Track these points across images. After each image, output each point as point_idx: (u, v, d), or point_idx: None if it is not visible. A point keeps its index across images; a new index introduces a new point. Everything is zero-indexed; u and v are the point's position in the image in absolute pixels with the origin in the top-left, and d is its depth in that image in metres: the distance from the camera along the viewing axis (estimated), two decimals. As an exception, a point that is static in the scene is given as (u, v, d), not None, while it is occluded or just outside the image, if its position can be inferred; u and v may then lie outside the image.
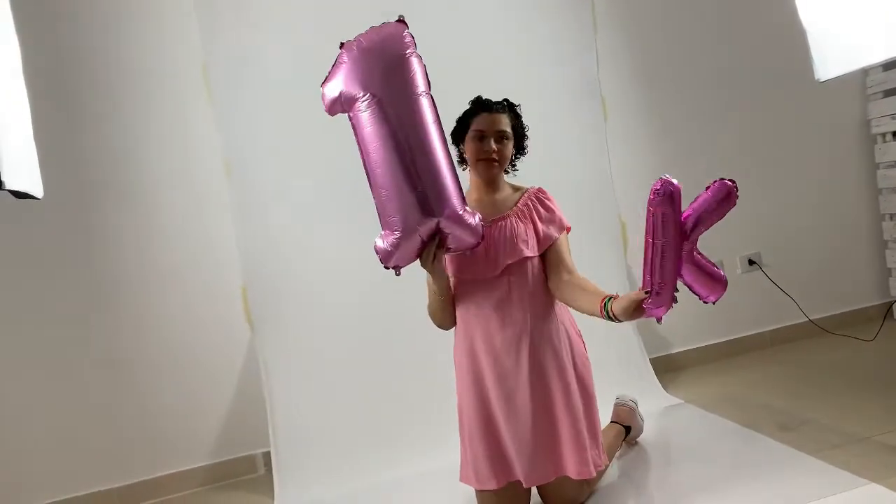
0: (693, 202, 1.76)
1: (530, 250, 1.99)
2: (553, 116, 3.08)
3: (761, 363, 3.24)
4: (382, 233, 1.77)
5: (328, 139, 2.86)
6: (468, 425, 2.03)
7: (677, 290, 1.75)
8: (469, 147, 2.05)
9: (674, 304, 1.75)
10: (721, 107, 3.44)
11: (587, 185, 3.14)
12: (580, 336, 2.13)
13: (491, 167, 2.03)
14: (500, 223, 2.02)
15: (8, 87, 1.66)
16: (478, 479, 2.00)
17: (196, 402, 2.89)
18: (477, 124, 2.03)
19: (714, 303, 1.84)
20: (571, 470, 1.94)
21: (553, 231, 2.03)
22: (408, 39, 1.78)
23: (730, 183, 1.77)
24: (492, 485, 1.97)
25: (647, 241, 1.72)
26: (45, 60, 2.69)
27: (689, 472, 2.17)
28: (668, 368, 3.24)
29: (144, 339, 2.86)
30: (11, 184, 1.54)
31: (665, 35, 3.38)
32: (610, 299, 1.81)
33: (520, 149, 2.13)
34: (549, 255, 2.02)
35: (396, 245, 1.75)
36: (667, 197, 1.67)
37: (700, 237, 1.77)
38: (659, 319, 1.78)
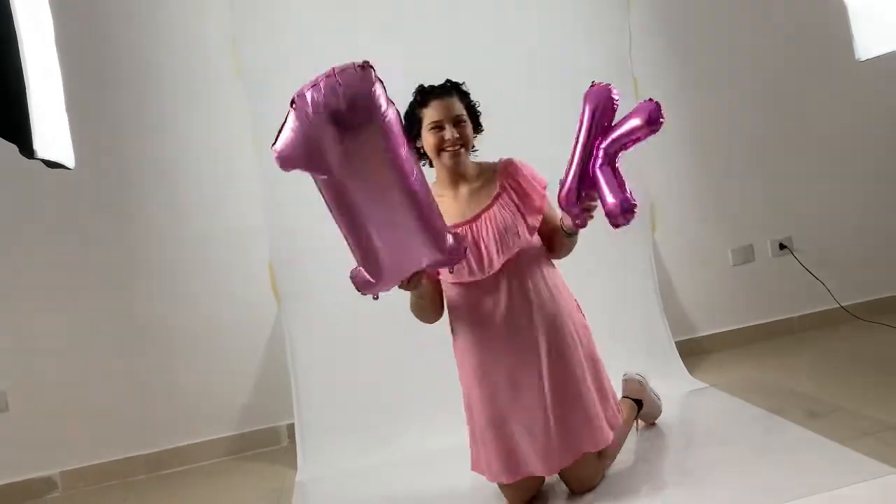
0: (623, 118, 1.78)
1: (523, 239, 1.93)
2: (582, 94, 3.02)
3: (790, 349, 3.19)
4: (360, 269, 1.70)
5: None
6: (478, 421, 1.99)
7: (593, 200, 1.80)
8: (427, 140, 1.95)
9: (587, 211, 1.80)
10: (756, 87, 3.36)
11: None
12: (574, 299, 2.08)
13: (457, 155, 1.95)
14: (483, 217, 1.94)
15: (41, 58, 1.67)
16: (490, 473, 1.99)
17: (222, 374, 2.93)
18: (430, 115, 1.94)
19: (615, 224, 1.77)
20: (588, 445, 1.93)
21: (537, 202, 1.96)
22: (378, 96, 1.49)
23: (653, 104, 1.74)
24: (504, 479, 1.96)
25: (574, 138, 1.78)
26: (77, 32, 2.71)
27: (712, 457, 2.15)
28: (693, 352, 3.20)
29: (173, 312, 2.90)
30: (44, 153, 1.57)
31: (700, 14, 3.30)
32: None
33: (476, 126, 2.04)
34: (541, 227, 1.99)
35: (375, 287, 1.71)
36: (595, 95, 1.77)
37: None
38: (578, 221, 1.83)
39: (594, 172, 1.78)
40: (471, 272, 1.90)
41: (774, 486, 1.88)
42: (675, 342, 3.07)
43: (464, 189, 2.01)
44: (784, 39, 3.37)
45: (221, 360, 2.93)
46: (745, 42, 3.34)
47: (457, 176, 2.00)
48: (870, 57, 2.13)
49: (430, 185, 1.70)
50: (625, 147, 1.78)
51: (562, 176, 1.81)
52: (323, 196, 1.59)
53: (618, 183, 1.76)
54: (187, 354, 2.91)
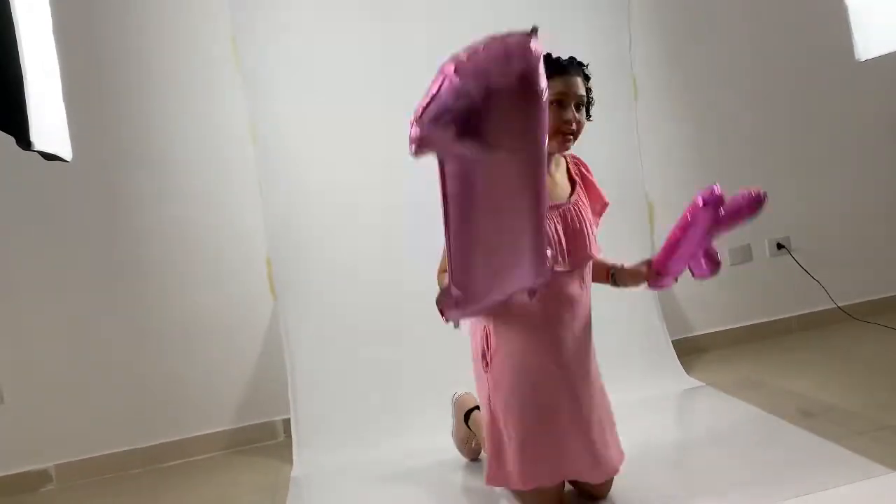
0: (726, 206, 1.82)
1: (595, 246, 1.86)
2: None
3: (786, 349, 3.20)
4: (454, 288, 1.49)
5: (355, 109, 2.87)
6: (520, 429, 1.82)
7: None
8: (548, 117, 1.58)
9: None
10: (755, 87, 3.36)
11: (615, 165, 3.08)
12: None
13: (567, 142, 1.80)
14: (563, 210, 1.83)
15: (39, 50, 1.67)
16: (524, 477, 1.82)
17: (219, 368, 2.93)
18: (556, 87, 1.68)
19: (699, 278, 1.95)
20: (618, 458, 1.91)
21: (598, 206, 1.94)
22: (540, 71, 1.21)
23: (762, 195, 1.82)
24: (547, 481, 1.84)
25: (679, 231, 1.85)
26: (76, 25, 2.71)
27: (707, 456, 2.15)
28: (690, 351, 3.21)
29: (170, 306, 2.90)
30: (41, 144, 1.56)
31: (700, 13, 3.30)
32: (614, 270, 1.97)
33: (587, 117, 1.87)
34: None
35: (464, 313, 1.59)
36: (712, 207, 1.78)
37: (717, 240, 1.92)
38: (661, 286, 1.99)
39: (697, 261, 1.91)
40: (556, 263, 1.77)
41: (769, 485, 1.88)
42: (672, 341, 3.07)
43: (551, 177, 1.87)
44: (783, 39, 3.37)
45: (218, 354, 2.93)
46: (744, 42, 3.35)
47: (549, 162, 1.83)
48: (870, 57, 2.13)
49: None
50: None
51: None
52: (444, 187, 1.33)
53: (714, 261, 1.93)
54: (184, 349, 2.91)
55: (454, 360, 2.50)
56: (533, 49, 1.19)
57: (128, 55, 2.84)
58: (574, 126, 1.78)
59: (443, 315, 1.60)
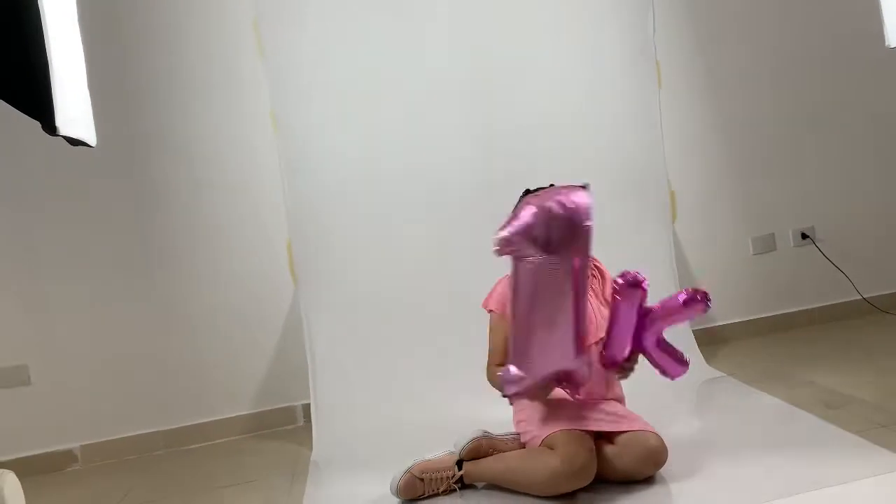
0: (664, 300, 1.90)
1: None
2: (604, 80, 3.00)
3: (809, 340, 3.16)
4: (513, 367, 1.80)
5: (377, 95, 2.87)
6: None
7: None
8: None
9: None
10: (781, 75, 3.30)
11: (637, 152, 3.05)
12: None
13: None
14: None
15: (64, 36, 1.68)
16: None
17: (241, 353, 2.96)
18: None
19: (673, 379, 1.96)
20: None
21: (608, 292, 2.03)
22: (590, 215, 1.73)
23: (704, 299, 1.88)
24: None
25: (612, 309, 1.91)
26: (99, 11, 2.73)
27: (727, 447, 2.13)
28: (711, 341, 3.18)
29: (193, 291, 2.93)
30: (66, 130, 1.58)
31: (725, 1, 3.25)
32: None
33: None
34: None
35: (521, 388, 1.81)
36: (630, 288, 1.84)
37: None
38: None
39: (646, 348, 1.92)
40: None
41: (790, 476, 1.87)
42: (693, 330, 3.04)
43: None
44: (810, 27, 3.31)
45: (240, 339, 2.96)
46: (771, 30, 3.29)
47: None
48: (901, 44, 2.08)
49: None
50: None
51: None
52: (515, 283, 1.76)
53: (675, 359, 1.94)
54: (206, 333, 2.95)
55: (474, 345, 2.51)
56: (585, 201, 1.72)
57: (152, 43, 2.86)
58: None
59: (505, 389, 1.83)
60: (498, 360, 2.01)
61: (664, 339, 1.92)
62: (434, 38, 2.90)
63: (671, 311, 1.88)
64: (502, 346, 1.97)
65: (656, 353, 1.91)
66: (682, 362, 1.94)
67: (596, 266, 2.18)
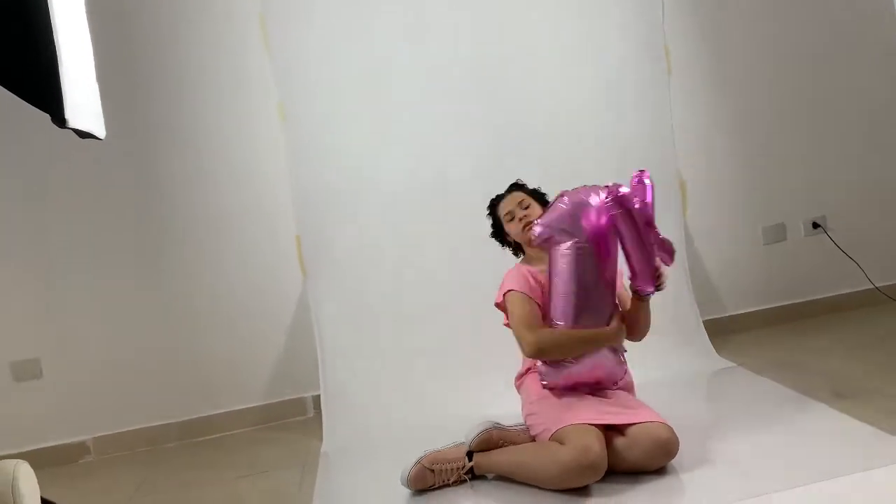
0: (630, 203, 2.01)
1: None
2: (614, 67, 2.99)
3: (820, 329, 3.14)
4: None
5: (383, 90, 2.86)
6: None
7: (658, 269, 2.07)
8: (510, 230, 2.25)
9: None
10: (791, 63, 3.27)
11: (647, 141, 3.03)
12: None
13: (528, 229, 2.14)
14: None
15: (72, 29, 1.68)
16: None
17: (251, 345, 2.98)
18: (502, 210, 2.27)
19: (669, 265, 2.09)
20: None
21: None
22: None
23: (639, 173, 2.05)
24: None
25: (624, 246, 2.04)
26: (109, 6, 2.73)
27: (738, 437, 2.12)
28: (722, 331, 3.17)
29: (203, 284, 2.95)
30: (75, 122, 1.58)
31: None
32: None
33: (544, 205, 2.25)
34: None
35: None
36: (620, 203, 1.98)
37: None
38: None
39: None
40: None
41: (801, 466, 1.86)
42: (704, 321, 3.03)
43: None
44: (822, 15, 3.27)
45: (250, 331, 2.97)
46: (782, 18, 3.25)
47: (541, 250, 2.13)
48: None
49: (526, 264, 2.19)
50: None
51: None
52: (552, 265, 2.02)
53: (665, 250, 2.06)
54: (217, 326, 2.96)
55: (482, 336, 2.52)
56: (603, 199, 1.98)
57: (160, 37, 2.87)
58: (526, 219, 2.19)
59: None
60: (532, 328, 2.04)
61: (657, 233, 2.05)
62: (440, 32, 2.89)
63: (642, 207, 2.00)
64: (531, 314, 2.06)
65: (658, 243, 2.05)
66: (671, 251, 2.08)
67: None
